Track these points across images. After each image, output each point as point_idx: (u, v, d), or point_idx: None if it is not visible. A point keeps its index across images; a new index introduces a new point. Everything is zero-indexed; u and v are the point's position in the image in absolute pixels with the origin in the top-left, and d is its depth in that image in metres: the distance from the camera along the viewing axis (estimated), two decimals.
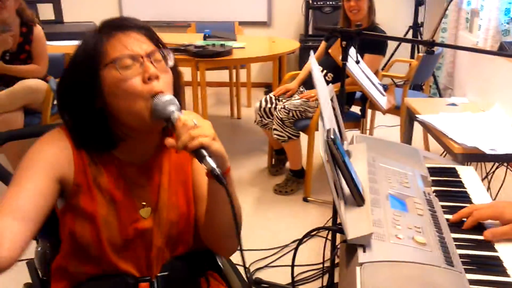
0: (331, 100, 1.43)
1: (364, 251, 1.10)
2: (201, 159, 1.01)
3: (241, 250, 1.08)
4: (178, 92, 1.18)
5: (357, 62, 1.96)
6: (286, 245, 2.75)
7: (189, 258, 1.29)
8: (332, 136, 1.08)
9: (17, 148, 3.27)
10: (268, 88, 5.90)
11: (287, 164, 3.65)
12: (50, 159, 1.11)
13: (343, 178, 1.18)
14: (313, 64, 1.62)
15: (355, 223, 1.14)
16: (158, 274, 1.23)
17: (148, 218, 1.21)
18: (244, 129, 4.80)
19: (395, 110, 3.45)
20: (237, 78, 4.98)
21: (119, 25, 1.13)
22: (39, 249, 1.39)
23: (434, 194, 1.50)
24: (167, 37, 4.45)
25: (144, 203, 1.22)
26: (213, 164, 1.00)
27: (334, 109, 1.51)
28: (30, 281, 1.40)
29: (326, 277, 2.44)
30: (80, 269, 1.20)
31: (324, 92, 1.33)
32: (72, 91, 1.13)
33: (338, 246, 2.56)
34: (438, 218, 1.34)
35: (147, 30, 1.16)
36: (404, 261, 1.10)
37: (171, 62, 1.16)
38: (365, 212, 1.18)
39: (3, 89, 3.17)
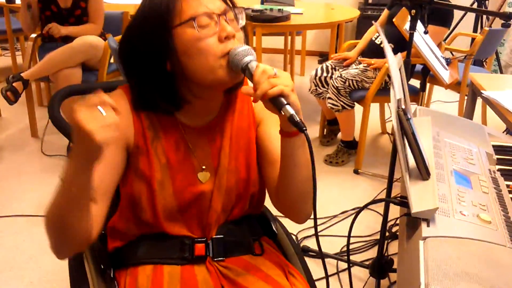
0: (399, 70, 1.39)
1: (428, 225, 1.08)
2: (281, 106, 0.98)
3: (315, 213, 1.12)
4: None
5: (426, 32, 1.88)
6: (335, 216, 2.74)
7: (244, 222, 1.29)
8: (403, 107, 1.05)
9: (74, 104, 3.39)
10: (322, 57, 5.81)
11: (339, 135, 3.61)
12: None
13: (410, 151, 1.15)
14: (380, 32, 1.58)
15: (420, 196, 1.12)
16: (214, 236, 1.23)
17: (206, 182, 1.21)
18: None
19: (455, 85, 3.34)
20: (292, 45, 4.91)
21: None
22: None
23: (499, 172, 1.46)
24: None
25: (204, 167, 1.21)
26: (292, 111, 0.97)
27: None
28: None
29: (375, 249, 2.43)
30: (132, 232, 1.23)
31: (394, 60, 1.29)
32: (140, 52, 1.09)
33: (397, 221, 2.55)
34: (504, 197, 1.31)
35: None
36: (469, 238, 1.08)
37: (242, 22, 1.13)
38: (430, 186, 1.16)
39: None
